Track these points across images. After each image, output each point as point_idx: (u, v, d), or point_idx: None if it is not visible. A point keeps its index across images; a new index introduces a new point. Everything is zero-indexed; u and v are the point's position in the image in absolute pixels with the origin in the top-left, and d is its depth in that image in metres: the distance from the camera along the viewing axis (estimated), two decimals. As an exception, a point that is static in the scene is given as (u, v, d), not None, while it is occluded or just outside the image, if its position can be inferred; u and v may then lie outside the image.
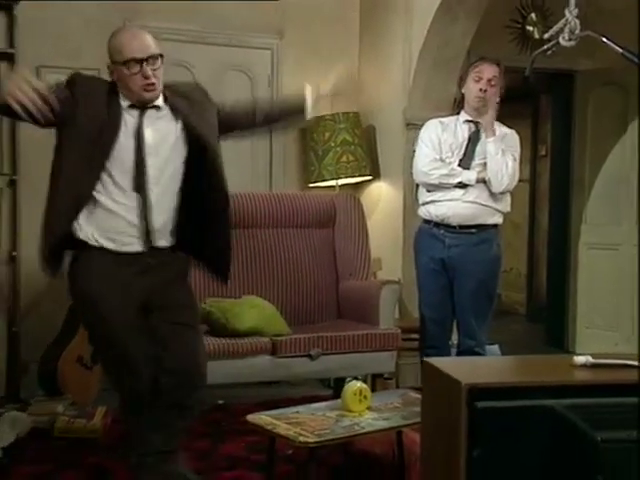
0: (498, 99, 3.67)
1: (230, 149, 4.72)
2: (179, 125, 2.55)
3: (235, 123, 2.79)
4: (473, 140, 3.64)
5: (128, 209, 2.47)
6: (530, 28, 5.42)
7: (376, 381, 3.75)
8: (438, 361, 1.56)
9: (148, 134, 2.49)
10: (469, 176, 3.55)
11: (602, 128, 5.55)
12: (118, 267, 2.48)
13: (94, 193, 2.45)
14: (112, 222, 2.47)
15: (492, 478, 1.34)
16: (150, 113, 2.52)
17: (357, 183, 4.86)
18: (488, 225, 3.62)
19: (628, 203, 5.43)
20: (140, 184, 2.45)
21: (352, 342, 3.41)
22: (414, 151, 4.03)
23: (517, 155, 3.64)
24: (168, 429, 2.59)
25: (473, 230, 3.59)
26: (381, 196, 4.82)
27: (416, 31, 4.45)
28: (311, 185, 4.79)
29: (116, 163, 2.44)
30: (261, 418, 2.69)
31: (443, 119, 3.78)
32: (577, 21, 3.23)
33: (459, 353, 3.77)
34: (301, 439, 2.48)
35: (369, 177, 4.78)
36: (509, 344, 4.14)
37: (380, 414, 2.75)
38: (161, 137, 2.52)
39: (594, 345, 5.59)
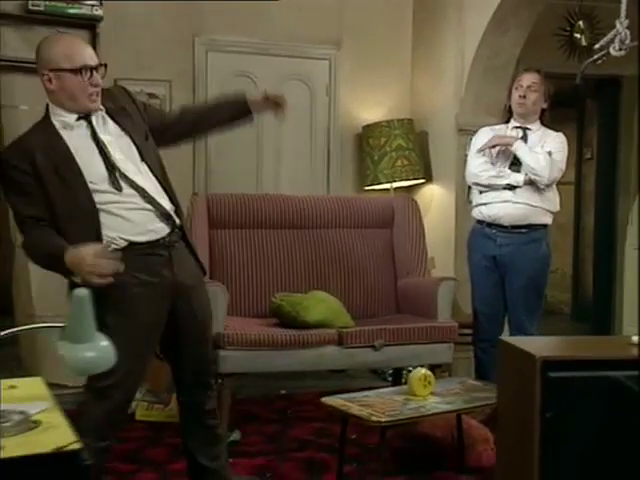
0: (545, 105, 3.88)
1: (290, 154, 5.05)
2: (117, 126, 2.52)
3: (168, 130, 2.71)
4: None
5: (136, 202, 2.42)
6: (578, 35, 5.57)
7: (434, 371, 3.97)
8: (513, 339, 1.81)
9: (104, 136, 2.45)
10: (517, 178, 3.76)
11: (648, 131, 5.71)
12: (150, 272, 2.43)
13: (102, 207, 2.39)
14: (134, 219, 2.42)
15: (562, 436, 1.59)
16: (96, 117, 2.47)
17: (410, 186, 5.09)
18: (538, 225, 3.81)
19: (674, 205, 5.58)
20: (120, 179, 2.41)
21: (413, 334, 3.64)
22: (466, 155, 4.27)
23: (556, 150, 3.77)
24: (215, 440, 2.70)
25: (524, 230, 3.79)
26: (433, 198, 5.04)
27: (468, 42, 4.65)
28: (367, 188, 5.03)
29: (93, 177, 2.39)
30: (335, 400, 2.94)
31: (494, 126, 4.01)
32: (627, 32, 3.41)
33: None
34: (373, 418, 2.72)
35: (422, 180, 5.02)
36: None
37: (443, 398, 2.98)
38: (115, 134, 2.49)
39: (639, 343, 5.74)
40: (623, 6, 3.44)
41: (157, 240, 2.45)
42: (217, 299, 3.41)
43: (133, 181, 2.43)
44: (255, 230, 4.02)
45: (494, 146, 3.84)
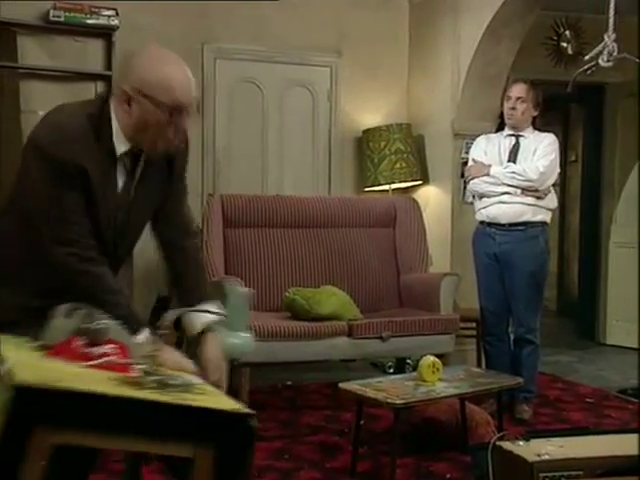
0: (535, 112, 4.10)
1: (293, 156, 5.28)
2: None
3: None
4: (514, 151, 4.08)
5: None
6: (564, 44, 5.86)
7: (436, 361, 4.23)
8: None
9: None
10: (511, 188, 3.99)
11: (631, 135, 5.97)
12: None
13: None
14: None
15: None
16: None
17: (408, 187, 5.34)
18: (535, 222, 3.99)
19: (655, 205, 5.89)
20: None
21: (418, 326, 3.89)
22: (462, 158, 4.54)
23: (541, 155, 3.97)
24: None
25: (521, 227, 3.97)
26: (430, 199, 5.29)
27: (463, 51, 4.92)
28: (367, 189, 5.28)
29: None
30: (351, 385, 3.17)
31: (490, 135, 4.26)
32: (615, 45, 3.71)
33: (514, 340, 4.21)
34: (389, 401, 2.95)
35: (420, 182, 5.27)
36: (543, 335, 4.55)
37: (450, 384, 3.22)
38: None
39: (622, 336, 6.04)
40: (611, 20, 3.73)
41: None
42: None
43: None
44: (267, 229, 4.26)
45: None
